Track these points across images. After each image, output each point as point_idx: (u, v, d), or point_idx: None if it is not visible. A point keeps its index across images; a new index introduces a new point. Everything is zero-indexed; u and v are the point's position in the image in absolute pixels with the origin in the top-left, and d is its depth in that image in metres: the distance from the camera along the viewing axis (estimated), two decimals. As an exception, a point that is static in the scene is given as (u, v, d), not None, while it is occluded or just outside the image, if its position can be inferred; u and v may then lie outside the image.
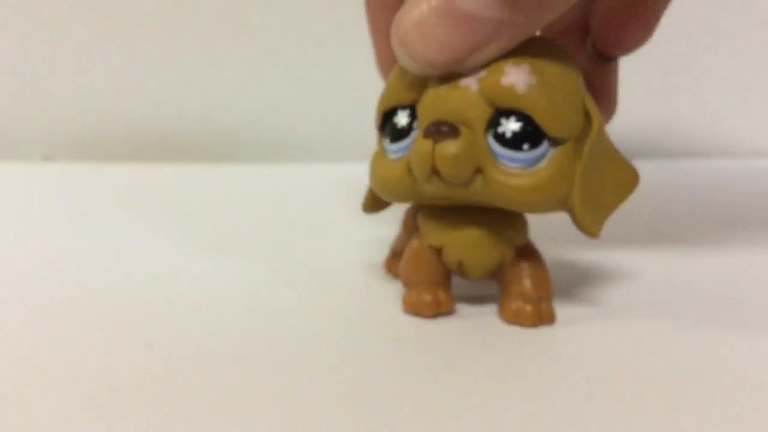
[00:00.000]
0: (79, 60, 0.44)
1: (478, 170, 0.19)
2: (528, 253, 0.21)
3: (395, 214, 0.24)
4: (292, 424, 0.15)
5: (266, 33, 0.45)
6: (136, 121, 0.45)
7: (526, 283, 0.20)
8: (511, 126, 0.18)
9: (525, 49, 0.19)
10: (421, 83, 0.19)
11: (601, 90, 0.24)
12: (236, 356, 0.19)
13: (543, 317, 0.20)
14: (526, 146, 0.18)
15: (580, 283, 0.24)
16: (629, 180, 0.20)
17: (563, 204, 0.19)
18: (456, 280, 0.21)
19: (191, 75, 0.45)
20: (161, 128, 0.45)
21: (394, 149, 0.20)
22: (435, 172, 0.19)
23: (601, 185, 0.20)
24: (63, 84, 0.44)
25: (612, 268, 0.25)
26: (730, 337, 0.20)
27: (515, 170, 0.19)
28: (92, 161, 0.43)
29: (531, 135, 0.18)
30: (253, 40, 0.45)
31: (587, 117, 0.19)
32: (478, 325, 0.21)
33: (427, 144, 0.18)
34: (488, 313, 0.21)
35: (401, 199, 0.21)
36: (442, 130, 0.18)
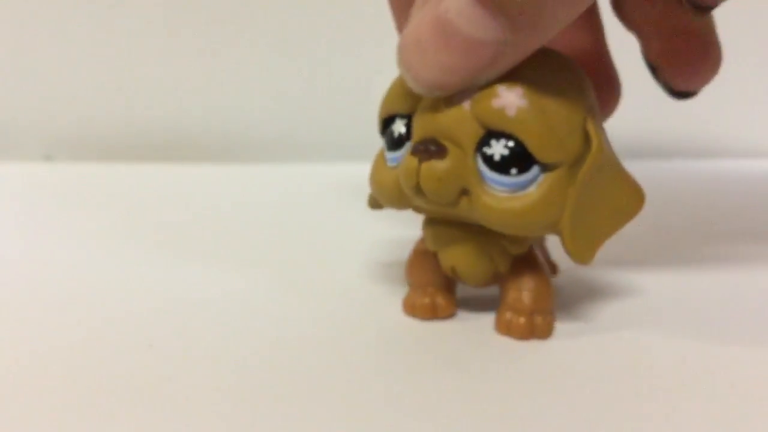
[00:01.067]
0: (79, 60, 0.44)
1: (465, 191, 0.18)
2: (528, 263, 0.20)
3: (395, 215, 0.24)
4: (290, 423, 0.15)
5: (266, 33, 0.45)
6: (136, 121, 0.45)
7: (521, 294, 0.20)
8: (499, 149, 0.18)
9: (524, 68, 0.18)
10: (418, 94, 0.19)
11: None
12: (234, 357, 0.19)
13: (536, 330, 0.20)
14: (514, 171, 0.18)
15: (578, 293, 0.23)
16: (631, 205, 0.20)
17: (553, 229, 0.19)
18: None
19: (191, 75, 0.45)
20: (161, 128, 0.45)
21: (391, 157, 0.20)
22: (420, 190, 0.18)
23: (597, 211, 0.19)
24: (63, 84, 0.44)
25: (611, 277, 0.25)
26: (731, 349, 0.20)
27: (502, 194, 0.18)
28: (92, 161, 0.43)
29: (520, 159, 0.18)
30: (253, 41, 0.45)
31: (588, 139, 0.18)
32: (472, 332, 0.20)
33: (413, 162, 0.18)
34: (486, 321, 0.21)
35: (395, 206, 0.20)
36: (429, 149, 0.18)
